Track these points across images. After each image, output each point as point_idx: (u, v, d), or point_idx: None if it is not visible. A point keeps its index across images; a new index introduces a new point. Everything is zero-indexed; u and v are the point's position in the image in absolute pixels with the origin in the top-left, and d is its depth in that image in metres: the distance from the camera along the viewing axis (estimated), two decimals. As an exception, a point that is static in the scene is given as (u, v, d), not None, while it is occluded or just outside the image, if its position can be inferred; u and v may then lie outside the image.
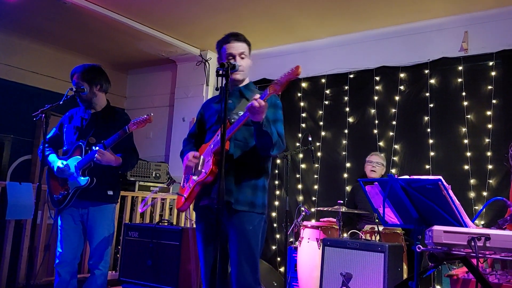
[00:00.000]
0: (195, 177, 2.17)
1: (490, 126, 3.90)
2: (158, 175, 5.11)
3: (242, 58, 2.23)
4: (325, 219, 3.98)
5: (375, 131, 4.44)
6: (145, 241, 3.79)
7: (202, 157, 2.19)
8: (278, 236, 4.80)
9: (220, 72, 1.95)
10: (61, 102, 2.61)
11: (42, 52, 5.58)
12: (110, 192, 2.75)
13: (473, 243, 1.40)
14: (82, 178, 2.66)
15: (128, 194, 4.65)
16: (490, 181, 3.82)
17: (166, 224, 3.95)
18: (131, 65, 6.30)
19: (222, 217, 2.14)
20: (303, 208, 3.96)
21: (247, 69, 2.27)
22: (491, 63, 3.96)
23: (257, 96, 1.94)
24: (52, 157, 2.80)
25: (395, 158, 4.30)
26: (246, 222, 2.10)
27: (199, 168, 2.17)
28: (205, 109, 2.39)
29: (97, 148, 2.58)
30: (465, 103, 4.03)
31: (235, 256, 2.08)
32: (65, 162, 2.71)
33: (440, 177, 1.60)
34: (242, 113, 2.11)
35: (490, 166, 3.83)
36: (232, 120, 2.12)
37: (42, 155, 2.58)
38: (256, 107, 1.91)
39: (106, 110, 2.84)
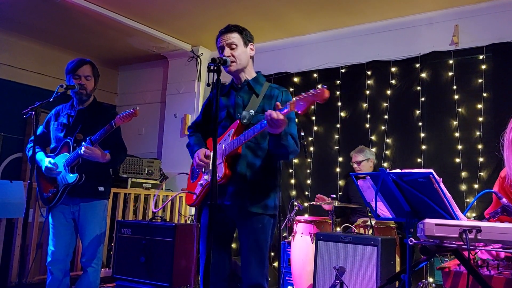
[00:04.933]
0: (206, 177, 2.16)
1: (480, 119, 3.93)
2: (150, 171, 5.09)
3: (233, 48, 2.17)
4: (319, 195, 3.91)
5: (367, 125, 4.46)
6: (138, 238, 3.77)
7: (212, 154, 2.17)
8: (271, 231, 4.81)
9: (212, 67, 1.93)
10: (51, 99, 2.59)
11: (31, 49, 5.51)
12: (101, 188, 2.73)
13: (464, 236, 1.42)
14: (71, 175, 2.63)
15: (120, 191, 4.62)
16: (481, 173, 3.86)
17: (159, 220, 3.94)
18: (121, 61, 6.24)
19: (231, 216, 2.15)
20: (296, 203, 3.97)
21: (242, 58, 2.19)
22: (481, 57, 3.99)
23: (279, 104, 1.89)
24: (40, 156, 2.77)
25: (387, 152, 4.32)
26: (256, 221, 2.11)
27: (210, 168, 2.15)
28: (214, 100, 2.35)
29: (83, 144, 2.56)
30: (456, 97, 4.06)
31: (244, 253, 2.11)
32: (53, 161, 2.69)
33: (432, 170, 1.61)
34: (253, 112, 2.11)
35: (481, 159, 3.87)
36: (244, 121, 2.09)
37: (32, 152, 2.55)
38: (274, 119, 1.86)
39: (93, 106, 2.82)
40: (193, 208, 5.16)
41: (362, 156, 4.06)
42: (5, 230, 3.82)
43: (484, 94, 3.94)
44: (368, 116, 4.47)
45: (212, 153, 2.11)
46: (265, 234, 2.13)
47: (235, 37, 2.18)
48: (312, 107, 4.80)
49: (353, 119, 4.58)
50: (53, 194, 2.69)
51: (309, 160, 4.71)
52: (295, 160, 4.82)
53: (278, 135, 1.97)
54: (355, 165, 4.09)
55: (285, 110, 1.89)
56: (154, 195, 4.67)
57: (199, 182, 2.23)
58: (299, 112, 1.87)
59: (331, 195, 3.74)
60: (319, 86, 1.83)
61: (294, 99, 1.90)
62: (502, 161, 2.00)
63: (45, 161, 2.70)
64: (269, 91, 2.21)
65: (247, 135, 2.02)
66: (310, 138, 4.73)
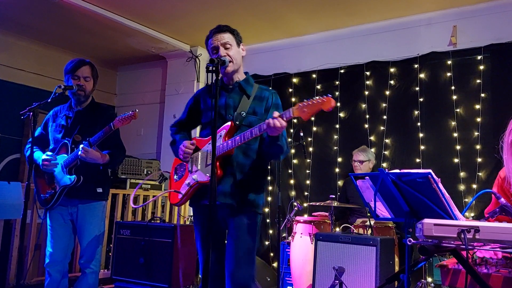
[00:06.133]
0: (194, 176, 2.15)
1: (479, 119, 3.93)
2: (149, 172, 5.08)
3: (227, 48, 2.16)
4: (317, 213, 4.00)
5: (366, 126, 4.46)
6: (137, 239, 3.77)
7: (200, 153, 2.17)
8: (271, 231, 4.81)
9: (210, 68, 1.93)
10: (49, 100, 2.58)
11: (29, 49, 5.50)
12: (99, 189, 2.72)
13: (462, 235, 1.42)
14: (69, 176, 2.63)
15: (119, 191, 4.62)
16: (480, 173, 3.86)
17: (158, 221, 3.93)
18: (120, 62, 6.24)
19: (222, 215, 2.15)
20: (295, 203, 3.97)
21: (237, 58, 2.20)
22: (479, 57, 3.99)
23: (277, 114, 1.92)
24: (38, 154, 2.77)
25: (386, 152, 4.33)
26: (246, 218, 2.12)
27: (198, 168, 2.15)
28: (202, 99, 2.30)
29: (82, 146, 2.55)
30: (454, 97, 4.06)
31: (233, 252, 2.09)
32: (50, 153, 2.68)
33: (430, 170, 1.61)
34: (244, 113, 2.12)
35: (479, 159, 3.88)
36: (237, 122, 2.11)
37: (30, 152, 2.55)
38: (278, 127, 1.90)
39: (91, 107, 2.82)
40: (192, 209, 5.15)
41: (364, 156, 4.07)
42: (3, 231, 3.81)
43: (482, 95, 3.95)
44: (367, 116, 4.47)
45: (211, 151, 2.10)
46: (254, 234, 2.14)
47: (228, 37, 2.18)
48: (311, 107, 4.80)
49: (352, 119, 4.58)
50: (50, 196, 2.68)
51: (308, 160, 4.71)
52: (295, 161, 4.82)
53: (276, 136, 2.01)
54: (356, 164, 4.10)
55: (289, 117, 1.92)
56: (134, 190, 4.53)
57: (186, 182, 2.20)
58: (303, 118, 1.90)
59: (330, 196, 3.74)
60: (326, 96, 1.86)
61: (298, 105, 1.91)
62: (501, 161, 2.00)
63: (43, 155, 2.69)
64: (259, 93, 2.23)
65: (244, 136, 2.03)
66: (309, 139, 4.73)
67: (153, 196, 4.95)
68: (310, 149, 4.73)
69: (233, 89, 2.22)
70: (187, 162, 2.22)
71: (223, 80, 2.27)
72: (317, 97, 1.87)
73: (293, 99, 4.90)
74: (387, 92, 4.41)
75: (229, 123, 2.13)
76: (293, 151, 4.80)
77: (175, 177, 2.30)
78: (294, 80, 4.94)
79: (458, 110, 4.04)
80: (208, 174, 2.09)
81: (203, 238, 2.17)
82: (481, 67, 3.98)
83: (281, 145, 2.06)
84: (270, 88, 2.33)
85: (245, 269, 2.07)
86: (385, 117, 4.38)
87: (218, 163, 2.07)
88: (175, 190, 2.22)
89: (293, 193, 4.78)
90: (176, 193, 2.21)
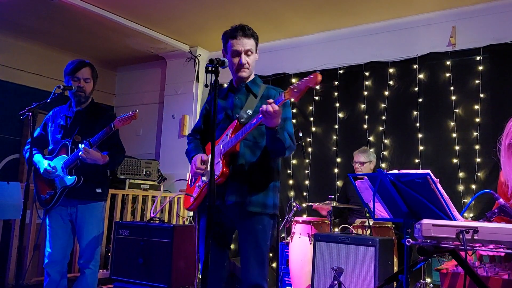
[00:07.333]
0: (204, 178, 2.16)
1: (478, 120, 3.94)
2: (148, 172, 5.08)
3: (249, 55, 2.18)
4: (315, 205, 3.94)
5: (365, 126, 4.46)
6: (136, 239, 3.77)
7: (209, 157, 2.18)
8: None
9: (209, 68, 1.93)
10: (48, 100, 2.58)
11: (29, 50, 5.50)
12: (99, 190, 2.72)
13: (461, 236, 1.42)
14: (69, 177, 2.63)
15: (118, 192, 4.62)
16: (479, 174, 3.87)
17: (157, 222, 3.93)
18: (120, 62, 6.24)
19: (230, 216, 2.15)
20: (294, 204, 3.97)
21: (253, 65, 2.23)
22: (478, 58, 4.00)
23: (271, 100, 1.92)
24: (38, 157, 2.76)
25: (385, 153, 4.33)
26: (256, 222, 2.11)
27: (208, 169, 2.15)
28: (211, 104, 2.34)
29: (82, 146, 2.55)
30: (453, 98, 4.07)
31: (244, 254, 2.11)
32: (52, 164, 2.68)
33: (429, 171, 1.62)
34: (250, 112, 2.13)
35: (478, 160, 3.88)
36: (242, 120, 2.11)
37: (29, 154, 2.55)
38: (270, 112, 1.89)
39: (91, 108, 2.82)
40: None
41: (365, 157, 4.05)
42: (3, 231, 3.81)
43: (481, 95, 3.95)
44: (366, 117, 4.47)
45: (210, 156, 2.11)
46: (265, 235, 2.13)
47: (252, 44, 2.19)
48: (310, 108, 4.81)
49: (351, 120, 4.59)
50: (50, 196, 2.68)
51: (307, 160, 4.71)
52: (294, 161, 4.82)
53: (274, 130, 1.99)
54: (357, 165, 4.07)
55: (281, 101, 1.93)
56: (155, 200, 4.63)
57: (197, 184, 2.22)
58: (294, 99, 1.92)
59: (329, 196, 3.75)
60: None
61: (288, 87, 1.93)
62: (499, 163, 2.01)
63: (44, 163, 2.69)
64: (266, 92, 2.24)
65: (244, 130, 2.03)
66: (308, 139, 4.73)
67: (153, 197, 4.95)
68: (309, 149, 4.73)
69: (239, 90, 2.24)
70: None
71: (232, 82, 2.29)
72: (306, 78, 1.89)
73: (292, 99, 4.90)
74: (386, 93, 4.41)
75: (234, 122, 2.14)
76: (292, 151, 4.79)
77: (190, 183, 2.31)
78: (293, 80, 4.95)
79: (457, 110, 4.04)
80: (216, 173, 2.05)
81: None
82: (480, 68, 3.98)
83: (281, 139, 2.03)
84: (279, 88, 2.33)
85: (257, 271, 2.08)
86: (384, 117, 4.38)
87: (225, 161, 2.08)
88: (187, 193, 2.25)
89: (292, 193, 4.78)
90: (189, 197, 2.24)
